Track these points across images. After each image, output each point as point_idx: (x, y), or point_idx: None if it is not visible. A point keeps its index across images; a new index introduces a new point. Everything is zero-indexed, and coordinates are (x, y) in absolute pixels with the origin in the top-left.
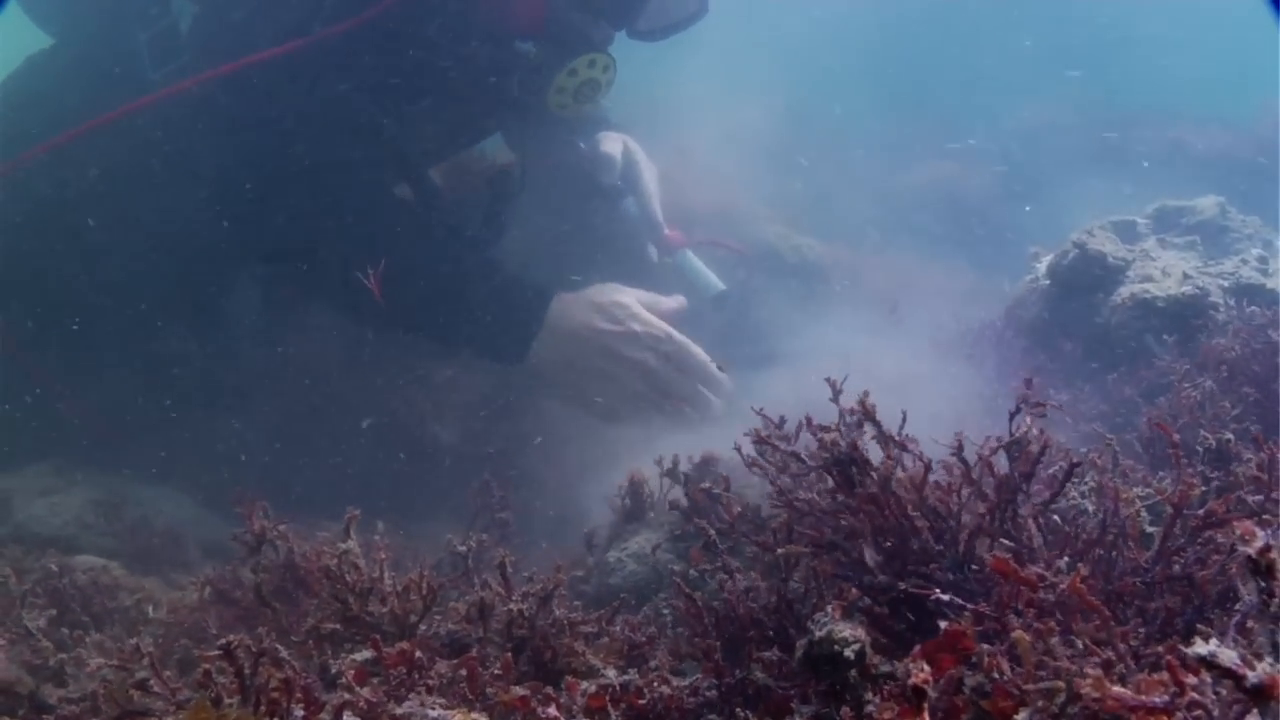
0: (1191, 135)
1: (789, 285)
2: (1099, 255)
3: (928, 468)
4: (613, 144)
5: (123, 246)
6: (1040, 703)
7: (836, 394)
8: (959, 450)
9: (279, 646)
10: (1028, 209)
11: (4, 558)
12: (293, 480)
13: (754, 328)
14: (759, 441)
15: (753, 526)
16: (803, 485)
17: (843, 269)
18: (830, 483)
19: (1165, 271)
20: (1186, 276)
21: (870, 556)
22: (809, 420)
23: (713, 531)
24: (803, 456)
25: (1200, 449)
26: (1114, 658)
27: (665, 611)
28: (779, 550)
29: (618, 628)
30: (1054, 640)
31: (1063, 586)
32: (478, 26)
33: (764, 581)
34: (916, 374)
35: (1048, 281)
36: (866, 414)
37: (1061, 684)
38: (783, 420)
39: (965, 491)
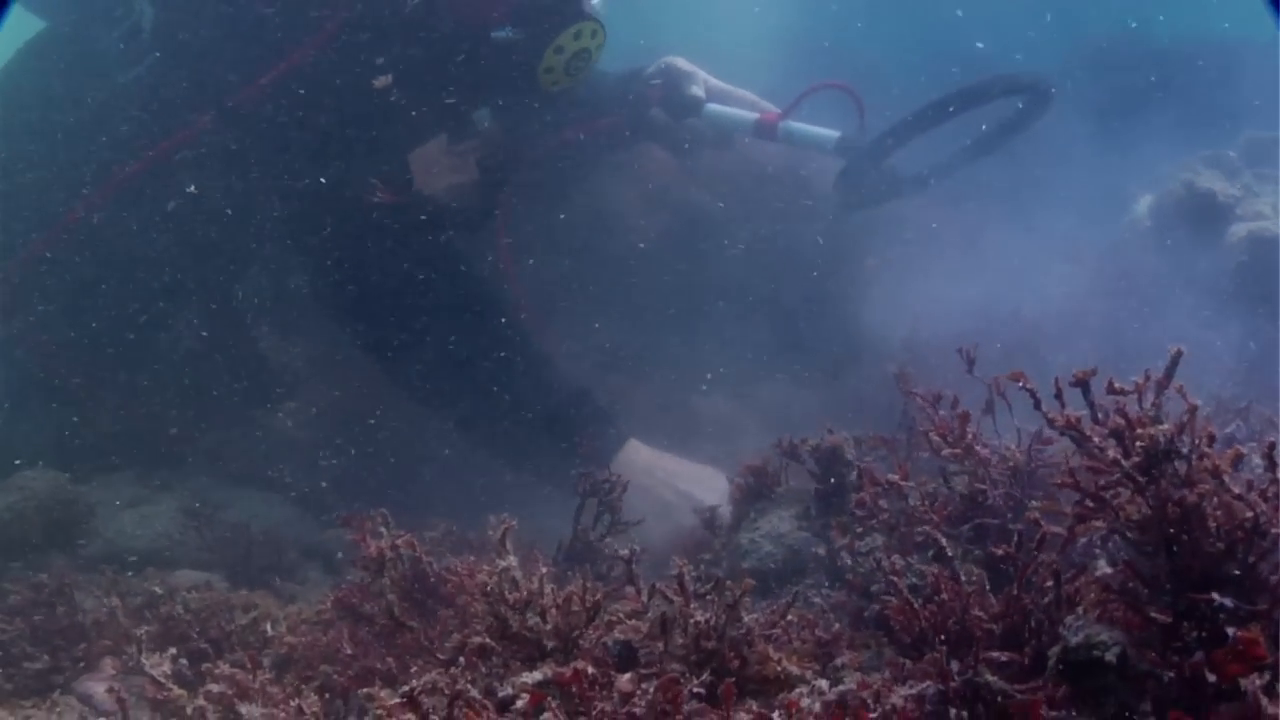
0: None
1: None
2: (1208, 193)
3: (1250, 486)
4: (675, 61)
5: (134, 233)
6: None
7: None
8: (1270, 450)
9: (470, 688)
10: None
11: (102, 582)
12: (365, 476)
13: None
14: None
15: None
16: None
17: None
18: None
19: (1276, 207)
20: None
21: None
22: (1056, 381)
23: (943, 540)
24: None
25: None
26: None
27: (815, 600)
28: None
29: (792, 619)
30: None
31: None
32: (447, 24)
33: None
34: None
35: (1150, 223)
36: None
37: None
38: (938, 397)
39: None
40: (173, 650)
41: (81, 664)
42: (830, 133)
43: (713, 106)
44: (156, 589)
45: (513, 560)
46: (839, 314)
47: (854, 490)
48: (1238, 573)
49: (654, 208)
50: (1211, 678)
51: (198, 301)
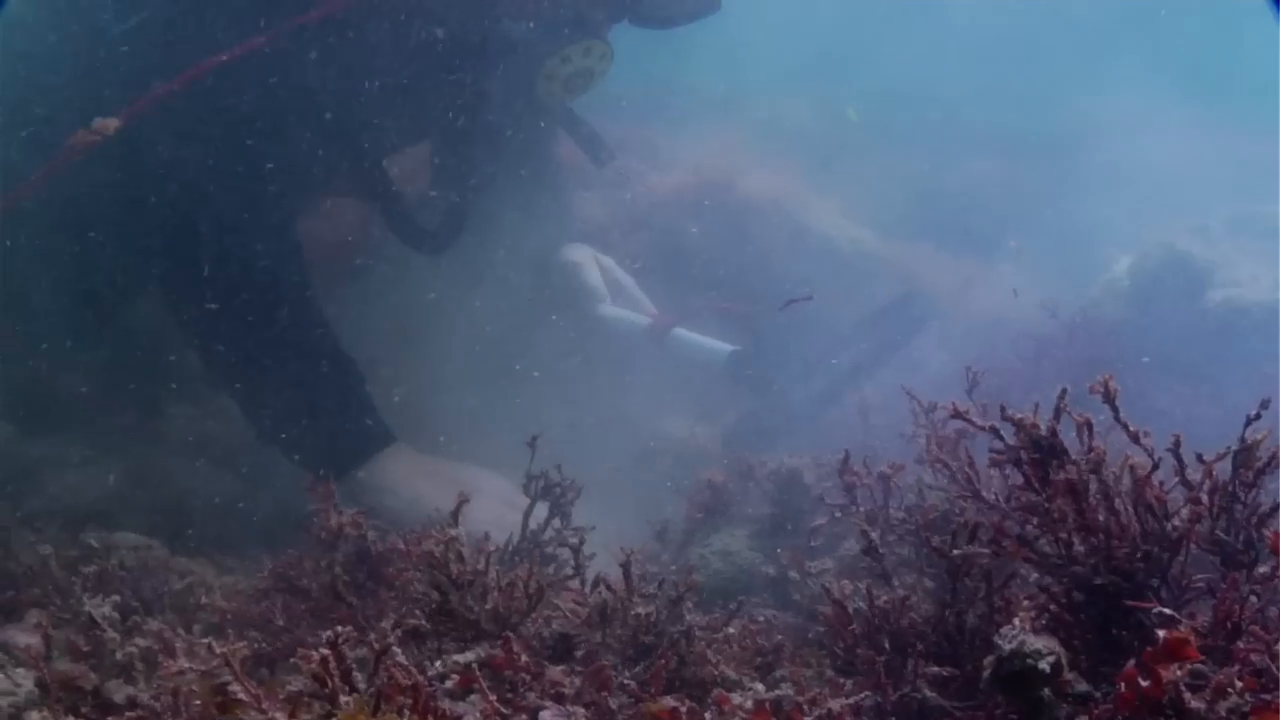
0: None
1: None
2: (1186, 256)
3: (1156, 464)
4: (580, 255)
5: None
6: None
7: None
8: (1176, 447)
9: (395, 646)
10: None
11: (41, 533)
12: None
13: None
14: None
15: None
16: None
17: (897, 265)
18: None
19: (1254, 277)
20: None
21: (1076, 544)
22: (1002, 408)
23: (875, 535)
24: (1002, 436)
25: None
26: None
27: (760, 617)
28: (955, 552)
29: (733, 630)
30: None
31: None
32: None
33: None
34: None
35: (1128, 282)
36: (1109, 396)
37: None
38: (933, 406)
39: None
40: (116, 598)
41: (8, 613)
42: (722, 346)
43: (606, 309)
44: (93, 543)
45: (462, 532)
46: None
47: (807, 515)
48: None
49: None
50: (1145, 682)
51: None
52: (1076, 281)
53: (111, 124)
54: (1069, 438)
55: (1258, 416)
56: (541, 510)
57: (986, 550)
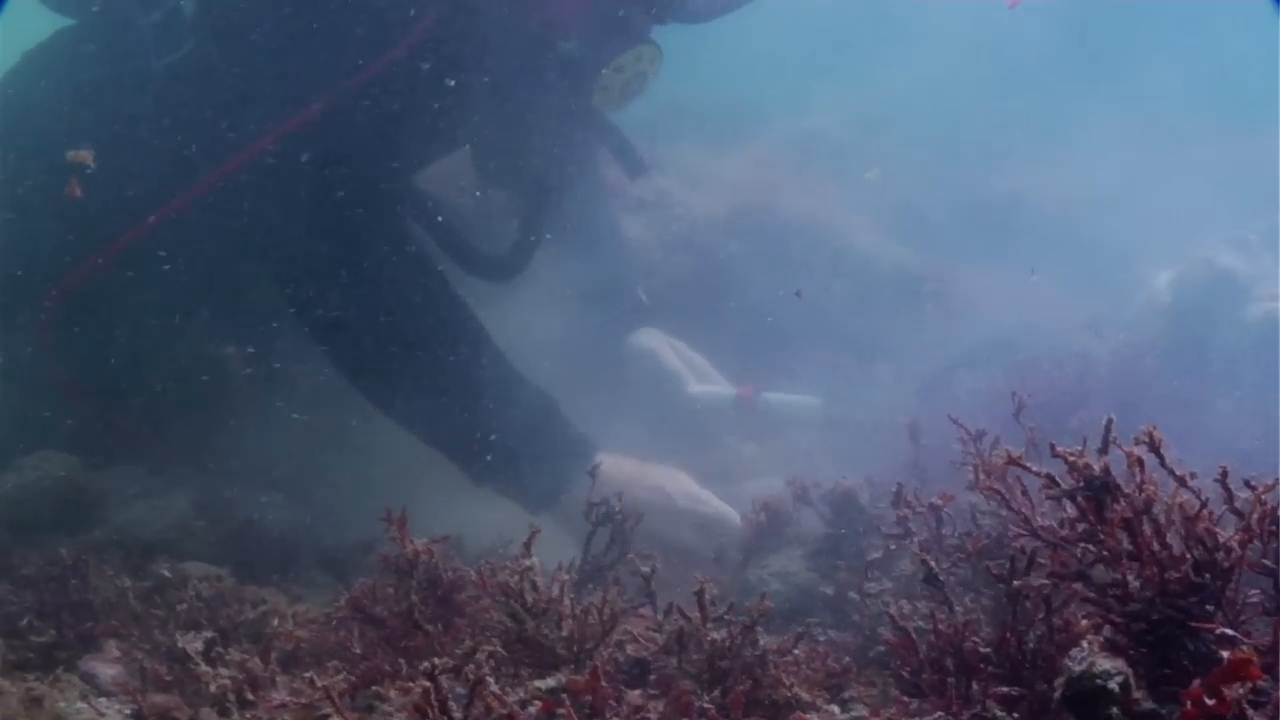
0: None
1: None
2: (1228, 271)
3: (1204, 503)
4: (654, 341)
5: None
6: None
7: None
8: (1224, 478)
9: (489, 678)
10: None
11: (111, 563)
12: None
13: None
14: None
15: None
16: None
17: (938, 281)
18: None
19: None
20: None
21: (1130, 580)
22: (1052, 446)
23: (932, 563)
24: (1056, 479)
25: None
26: None
27: (821, 637)
28: (1016, 583)
29: (800, 652)
30: None
31: None
32: (519, 30)
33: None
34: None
35: (1169, 298)
36: (1154, 445)
37: None
38: (981, 434)
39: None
40: (208, 633)
41: (87, 642)
42: (811, 400)
43: (694, 389)
44: (167, 573)
45: (536, 561)
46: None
47: (863, 536)
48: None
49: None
50: (1210, 701)
51: (216, 306)
52: (1115, 297)
53: (86, 156)
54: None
55: None
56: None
57: (1046, 582)
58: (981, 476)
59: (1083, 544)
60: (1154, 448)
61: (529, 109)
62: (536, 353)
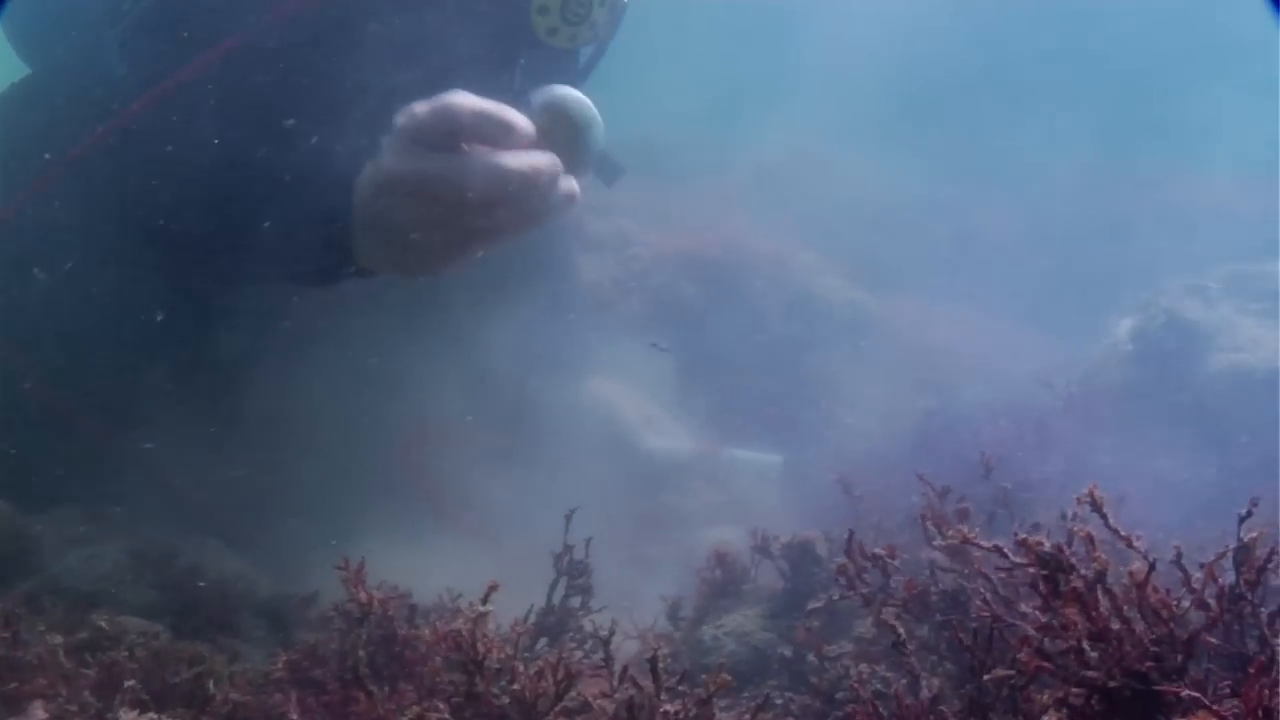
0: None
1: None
2: (1190, 322)
3: (1152, 566)
4: (612, 391)
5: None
6: None
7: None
8: (1179, 559)
9: None
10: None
11: (45, 615)
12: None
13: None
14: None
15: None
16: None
17: (897, 324)
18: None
19: (1255, 340)
20: None
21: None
22: (1017, 537)
23: (901, 631)
24: (1007, 552)
25: None
26: None
27: (778, 700)
28: (990, 674)
29: None
30: None
31: None
32: None
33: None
34: (1025, 439)
35: (1130, 346)
36: (1096, 505)
37: None
38: (946, 491)
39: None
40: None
41: (11, 705)
42: (770, 457)
43: (652, 441)
44: (104, 624)
45: (490, 609)
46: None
47: (822, 589)
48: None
49: None
50: None
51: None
52: (1073, 341)
53: None
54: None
55: (1249, 514)
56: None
57: (1011, 672)
58: (940, 538)
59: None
60: (1097, 508)
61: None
62: (482, 398)
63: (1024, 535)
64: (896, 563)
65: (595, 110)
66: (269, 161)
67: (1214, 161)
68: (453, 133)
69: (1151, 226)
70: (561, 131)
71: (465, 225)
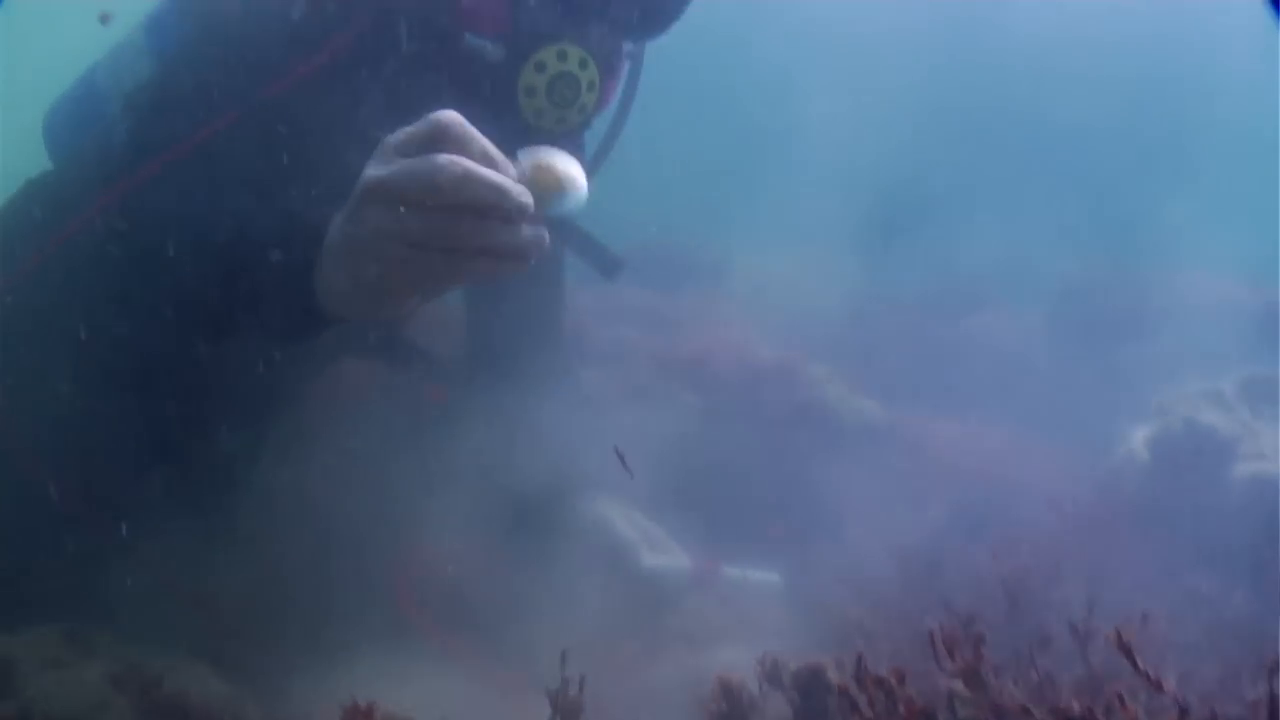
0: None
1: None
2: (1209, 429)
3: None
4: (607, 509)
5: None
6: None
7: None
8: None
9: None
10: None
11: None
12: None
13: None
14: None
15: None
16: None
17: (904, 435)
18: None
19: (1277, 448)
20: None
21: None
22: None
23: None
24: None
25: None
26: None
27: None
28: None
29: None
30: None
31: None
32: (430, 25)
33: None
34: (1041, 560)
35: (1148, 456)
36: (1124, 648)
37: None
38: (970, 620)
39: None
40: None
41: None
42: (768, 575)
43: (649, 561)
44: None
45: None
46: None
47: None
48: None
49: None
50: None
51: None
52: (1086, 449)
53: None
54: None
55: None
56: None
57: None
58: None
59: None
60: (1125, 652)
61: None
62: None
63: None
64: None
65: (580, 173)
66: (253, 220)
67: (1214, 258)
68: (434, 138)
69: (1155, 326)
70: (541, 182)
71: (430, 233)
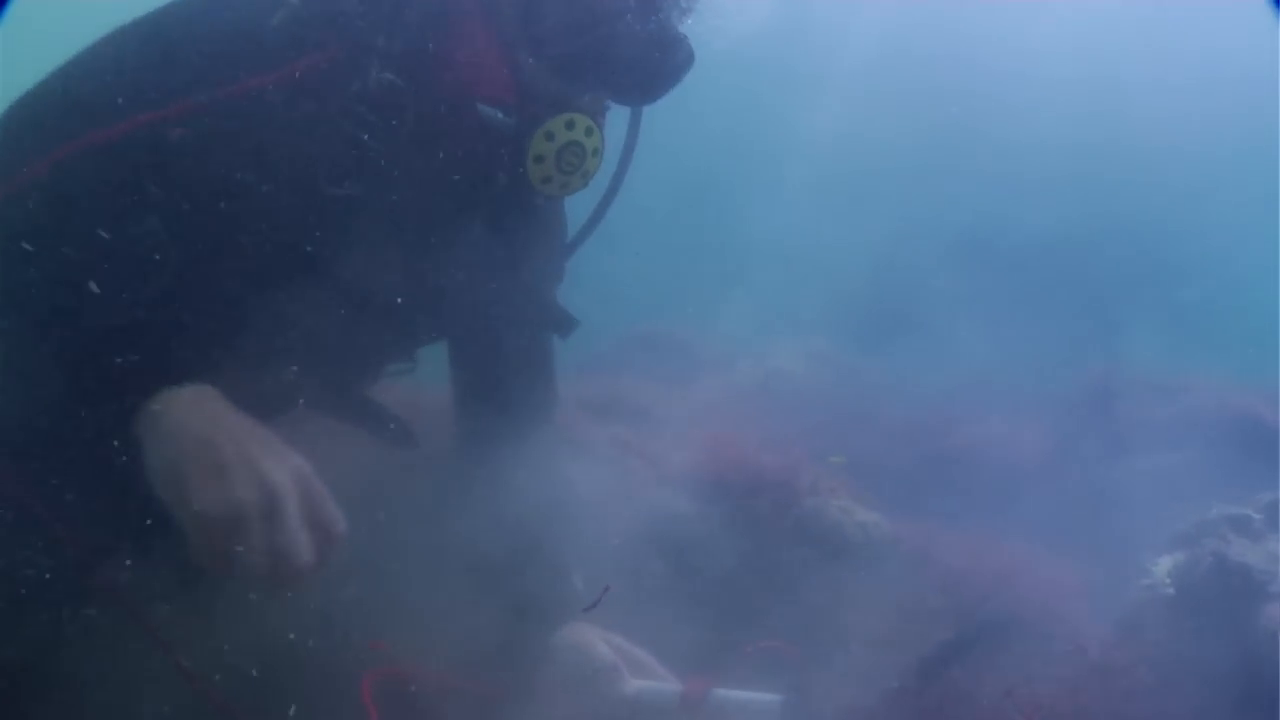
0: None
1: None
2: (1239, 565)
3: None
4: (585, 636)
5: None
6: None
7: None
8: None
9: None
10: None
11: None
12: None
13: None
14: None
15: None
16: None
17: (910, 550)
18: None
19: None
20: None
21: None
22: None
23: None
24: None
25: None
26: None
27: None
28: None
29: None
30: None
31: None
32: (432, 88)
33: None
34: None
35: (1172, 591)
36: None
37: None
38: None
39: None
40: None
41: None
42: (768, 697)
43: (630, 686)
44: None
45: None
46: None
47: None
48: None
49: None
50: None
51: None
52: (1103, 572)
53: None
54: None
55: None
56: None
57: None
58: None
59: None
60: None
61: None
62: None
63: None
64: None
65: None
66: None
67: (1226, 365)
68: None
69: (1171, 440)
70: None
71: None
